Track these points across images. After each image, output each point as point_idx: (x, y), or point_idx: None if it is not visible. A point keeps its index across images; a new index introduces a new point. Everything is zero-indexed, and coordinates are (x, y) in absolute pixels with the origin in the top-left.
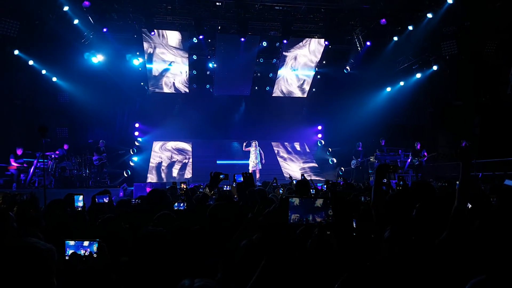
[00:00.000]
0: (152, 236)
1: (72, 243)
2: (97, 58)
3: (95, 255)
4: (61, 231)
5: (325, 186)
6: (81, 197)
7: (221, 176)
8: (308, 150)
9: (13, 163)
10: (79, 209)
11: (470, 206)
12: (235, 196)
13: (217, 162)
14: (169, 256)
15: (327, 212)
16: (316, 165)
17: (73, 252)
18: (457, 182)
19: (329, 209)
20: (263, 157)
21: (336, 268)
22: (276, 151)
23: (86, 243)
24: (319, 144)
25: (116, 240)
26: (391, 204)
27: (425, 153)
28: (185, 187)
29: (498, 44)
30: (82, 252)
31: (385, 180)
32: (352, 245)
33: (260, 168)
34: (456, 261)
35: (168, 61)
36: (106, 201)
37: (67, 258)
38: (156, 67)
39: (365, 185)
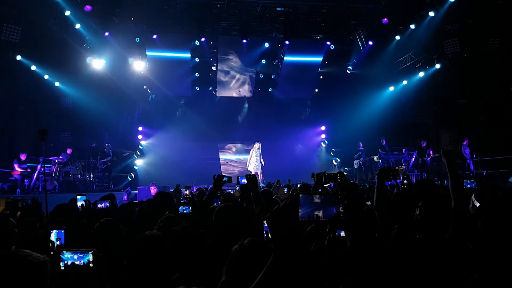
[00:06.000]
0: (149, 240)
1: (68, 254)
2: (100, 62)
3: (91, 265)
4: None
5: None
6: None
7: (225, 179)
8: (311, 151)
9: (17, 168)
10: (80, 209)
11: (478, 204)
12: (237, 197)
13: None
14: (167, 261)
15: (338, 209)
16: (319, 166)
17: (69, 263)
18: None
19: (340, 205)
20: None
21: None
22: (279, 153)
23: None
24: (323, 145)
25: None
26: (395, 203)
27: (431, 152)
28: (188, 193)
29: (501, 42)
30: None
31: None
32: (366, 244)
33: (261, 171)
34: (461, 260)
35: (170, 64)
36: (107, 206)
37: (62, 268)
38: (158, 70)
39: (370, 184)
